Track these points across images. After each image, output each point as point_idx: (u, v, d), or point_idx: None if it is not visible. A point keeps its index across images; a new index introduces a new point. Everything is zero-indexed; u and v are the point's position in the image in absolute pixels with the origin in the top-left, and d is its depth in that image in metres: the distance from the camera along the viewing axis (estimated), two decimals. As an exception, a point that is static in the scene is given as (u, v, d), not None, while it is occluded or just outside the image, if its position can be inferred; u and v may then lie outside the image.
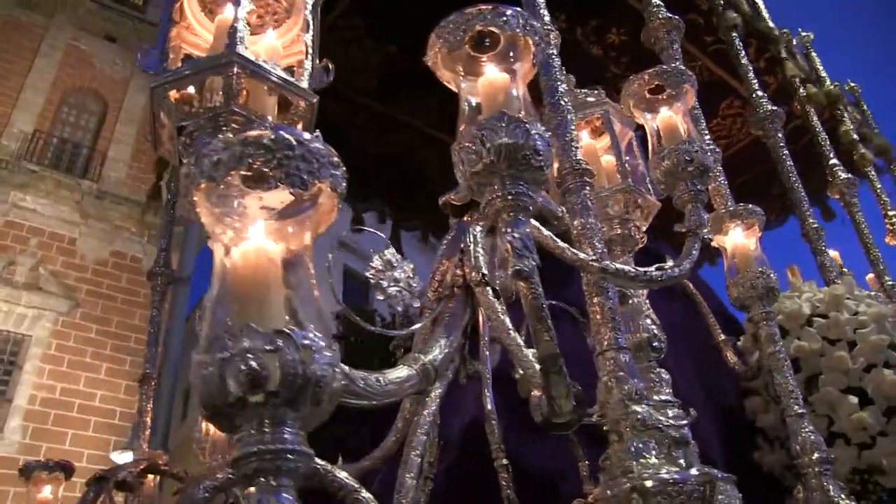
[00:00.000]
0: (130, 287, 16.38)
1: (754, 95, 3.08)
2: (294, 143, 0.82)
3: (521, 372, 1.60)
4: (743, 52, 3.18)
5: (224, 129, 1.31)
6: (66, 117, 18.28)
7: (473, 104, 1.32)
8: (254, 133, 0.82)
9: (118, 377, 15.28)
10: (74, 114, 18.46)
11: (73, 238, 16.38)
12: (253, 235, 0.86)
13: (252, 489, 0.74)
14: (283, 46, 1.54)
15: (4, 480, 13.37)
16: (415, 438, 1.59)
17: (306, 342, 0.78)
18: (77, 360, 15.14)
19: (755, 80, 3.11)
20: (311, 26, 1.58)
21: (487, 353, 1.79)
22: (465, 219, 1.98)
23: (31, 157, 16.77)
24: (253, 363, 0.75)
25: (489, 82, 1.29)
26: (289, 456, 0.75)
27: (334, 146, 0.88)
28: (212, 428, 3.05)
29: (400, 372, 1.44)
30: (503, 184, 1.22)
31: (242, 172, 0.82)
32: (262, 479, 0.74)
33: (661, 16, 2.27)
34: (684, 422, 1.63)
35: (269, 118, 1.36)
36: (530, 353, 1.48)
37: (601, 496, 1.29)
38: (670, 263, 1.66)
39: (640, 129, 2.12)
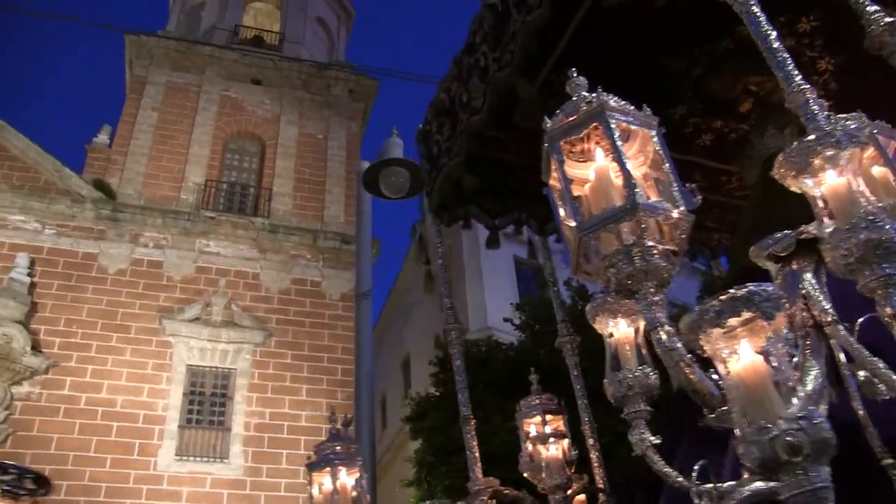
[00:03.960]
0: (315, 311, 17.40)
1: None
2: (761, 292, 1.47)
3: (863, 377, 2.01)
4: None
5: (635, 258, 1.90)
6: (231, 162, 19.69)
7: (820, 200, 1.84)
8: (736, 293, 1.48)
9: (318, 396, 16.24)
10: (237, 158, 19.84)
11: (255, 273, 17.58)
12: (742, 353, 1.48)
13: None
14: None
15: (235, 500, 14.62)
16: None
17: (817, 419, 1.34)
18: (278, 385, 16.23)
19: None
20: (664, 157, 2.08)
21: (849, 373, 2.11)
22: (794, 266, 2.36)
23: (207, 205, 18.17)
24: (791, 438, 1.31)
25: (832, 189, 1.79)
26: (824, 490, 1.31)
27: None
28: (542, 451, 3.73)
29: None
30: (873, 269, 1.66)
31: (730, 317, 1.46)
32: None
33: (882, 22, 2.33)
34: None
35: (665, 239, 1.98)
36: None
37: None
38: None
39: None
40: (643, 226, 1.88)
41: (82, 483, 13.91)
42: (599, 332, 2.26)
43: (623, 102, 2.12)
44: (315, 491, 3.57)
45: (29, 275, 15.70)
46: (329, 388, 16.40)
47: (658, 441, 2.04)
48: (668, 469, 1.97)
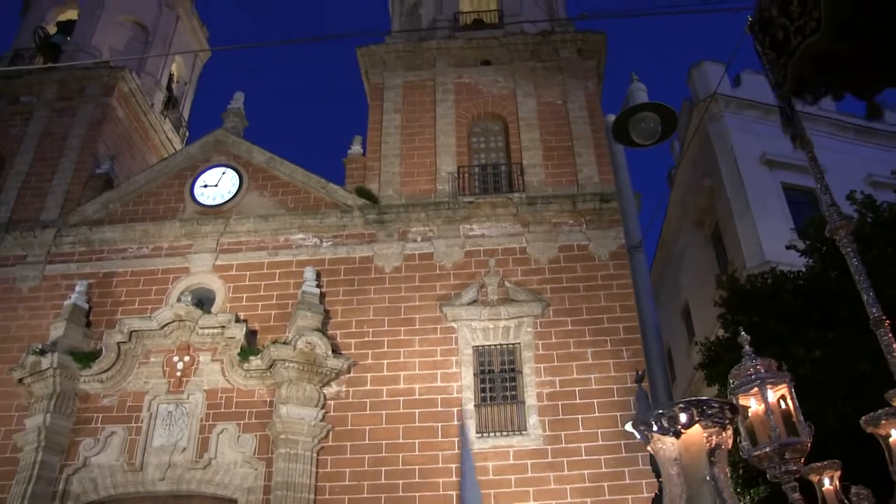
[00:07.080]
0: (586, 274, 17.16)
1: None
2: None
3: None
4: None
5: None
6: (478, 145, 20.09)
7: None
8: None
9: (604, 358, 15.98)
10: (483, 139, 20.21)
11: (522, 247, 17.70)
12: None
13: None
14: None
15: (538, 469, 14.73)
16: None
17: None
18: (563, 353, 16.15)
19: None
20: None
21: None
22: None
23: (464, 191, 18.61)
24: None
25: None
26: None
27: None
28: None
29: None
30: None
31: None
32: None
33: None
34: None
35: None
36: None
37: None
38: None
39: None
40: None
41: (398, 468, 14.75)
42: None
43: None
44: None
45: (318, 286, 17.08)
46: (613, 348, 16.07)
47: None
48: None
